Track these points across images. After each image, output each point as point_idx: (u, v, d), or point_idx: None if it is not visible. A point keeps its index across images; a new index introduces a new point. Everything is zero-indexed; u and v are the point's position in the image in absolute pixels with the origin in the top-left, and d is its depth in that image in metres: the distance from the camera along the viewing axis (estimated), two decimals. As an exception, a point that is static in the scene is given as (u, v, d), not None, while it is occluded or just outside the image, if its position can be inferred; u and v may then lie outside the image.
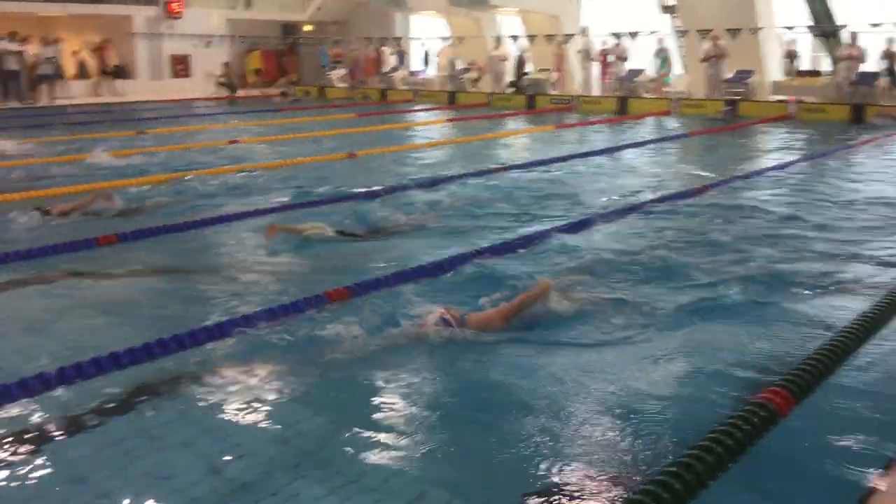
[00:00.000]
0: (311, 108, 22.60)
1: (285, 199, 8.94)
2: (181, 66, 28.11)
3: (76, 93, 25.02)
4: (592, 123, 18.54)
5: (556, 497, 2.99)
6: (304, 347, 4.49)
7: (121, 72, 26.44)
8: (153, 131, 16.26)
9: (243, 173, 10.94)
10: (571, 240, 6.92)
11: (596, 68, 23.75)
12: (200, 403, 3.87)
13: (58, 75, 23.91)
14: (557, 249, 6.62)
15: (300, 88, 28.55)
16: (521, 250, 6.59)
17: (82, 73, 26.64)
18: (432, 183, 9.93)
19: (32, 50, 23.27)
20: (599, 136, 16.39)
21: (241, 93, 26.98)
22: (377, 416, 3.73)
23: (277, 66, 31.31)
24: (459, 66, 26.21)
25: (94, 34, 26.87)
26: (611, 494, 3.00)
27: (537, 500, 2.99)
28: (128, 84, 26.33)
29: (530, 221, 7.84)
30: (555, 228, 7.28)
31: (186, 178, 10.44)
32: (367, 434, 3.52)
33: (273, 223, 7.17)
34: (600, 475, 3.14)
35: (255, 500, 3.01)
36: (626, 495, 2.90)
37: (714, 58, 20.42)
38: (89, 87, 25.82)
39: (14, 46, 22.52)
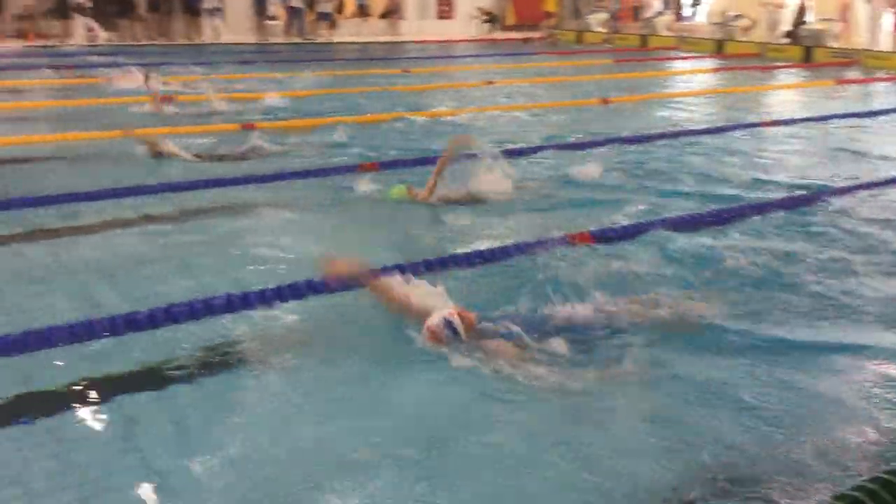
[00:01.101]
0: (567, 53, 22.41)
1: (532, 142, 9.00)
2: (445, 6, 28.94)
3: (355, 31, 26.61)
4: (879, 81, 16.69)
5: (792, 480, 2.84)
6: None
7: (393, 12, 27.70)
8: (417, 70, 17.01)
9: (495, 114, 11.18)
10: (839, 205, 6.36)
11: (887, 20, 21.25)
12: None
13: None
14: (819, 216, 6.11)
15: (557, 33, 28.39)
16: (782, 212, 6.16)
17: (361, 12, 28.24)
18: (686, 133, 9.58)
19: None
20: (886, 96, 14.73)
21: (499, 35, 27.38)
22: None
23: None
24: (731, 12, 24.61)
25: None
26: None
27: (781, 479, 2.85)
28: (397, 24, 27.59)
29: (796, 183, 7.29)
30: (823, 193, 6.73)
31: (441, 116, 10.87)
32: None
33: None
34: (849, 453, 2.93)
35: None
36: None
37: None
38: (366, 26, 27.30)
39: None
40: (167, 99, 11.21)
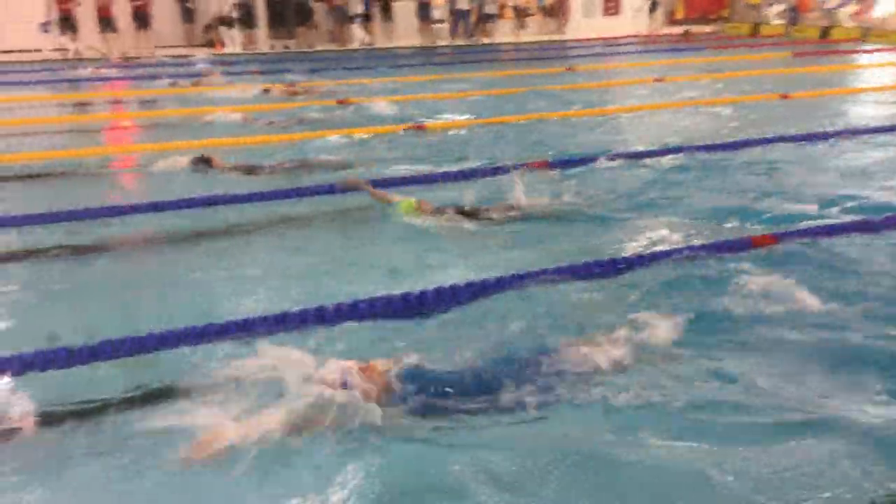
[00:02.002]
0: (741, 47, 21.47)
1: (695, 140, 8.62)
2: (611, 3, 28.44)
3: (520, 31, 26.61)
4: None
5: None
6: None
7: (557, 11, 27.49)
8: (582, 68, 16.85)
9: (668, 111, 10.92)
10: None
11: None
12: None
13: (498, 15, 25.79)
14: None
15: (730, 26, 27.28)
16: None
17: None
18: (872, 131, 8.98)
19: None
20: None
21: (666, 30, 26.68)
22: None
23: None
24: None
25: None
26: None
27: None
28: (563, 22, 27.37)
29: None
30: None
31: (607, 114, 10.74)
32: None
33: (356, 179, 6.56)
34: None
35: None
36: None
37: None
38: (534, 25, 27.21)
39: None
40: (344, 102, 11.83)
